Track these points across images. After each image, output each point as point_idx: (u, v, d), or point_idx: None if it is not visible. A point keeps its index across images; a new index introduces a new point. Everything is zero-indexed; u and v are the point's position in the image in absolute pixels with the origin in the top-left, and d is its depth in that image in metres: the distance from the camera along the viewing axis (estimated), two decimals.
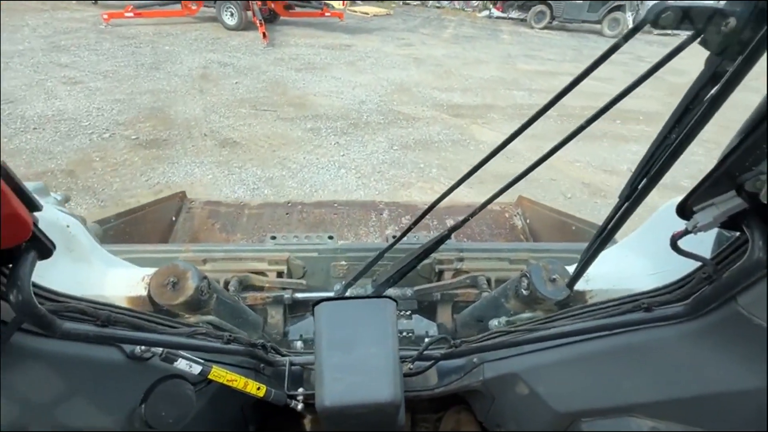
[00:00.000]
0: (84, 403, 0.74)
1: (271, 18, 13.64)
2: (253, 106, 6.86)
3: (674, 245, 0.72)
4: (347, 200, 2.72)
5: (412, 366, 1.08)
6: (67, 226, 1.24)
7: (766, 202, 0.57)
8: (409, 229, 1.18)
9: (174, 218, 2.31)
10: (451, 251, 1.67)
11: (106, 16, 11.59)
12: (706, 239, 0.79)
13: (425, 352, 1.03)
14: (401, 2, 21.66)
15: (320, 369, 0.88)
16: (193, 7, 12.63)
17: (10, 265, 0.58)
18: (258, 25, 11.17)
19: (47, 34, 10.21)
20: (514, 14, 19.01)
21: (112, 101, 6.58)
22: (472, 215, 1.09)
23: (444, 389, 1.10)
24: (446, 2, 21.77)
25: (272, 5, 13.09)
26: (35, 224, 0.56)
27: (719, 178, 0.62)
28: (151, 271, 1.26)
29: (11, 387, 0.66)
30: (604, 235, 0.80)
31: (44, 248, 0.61)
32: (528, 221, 2.47)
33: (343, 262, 1.66)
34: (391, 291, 1.45)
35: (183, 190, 2.52)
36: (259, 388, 0.92)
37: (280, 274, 1.62)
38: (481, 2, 21.44)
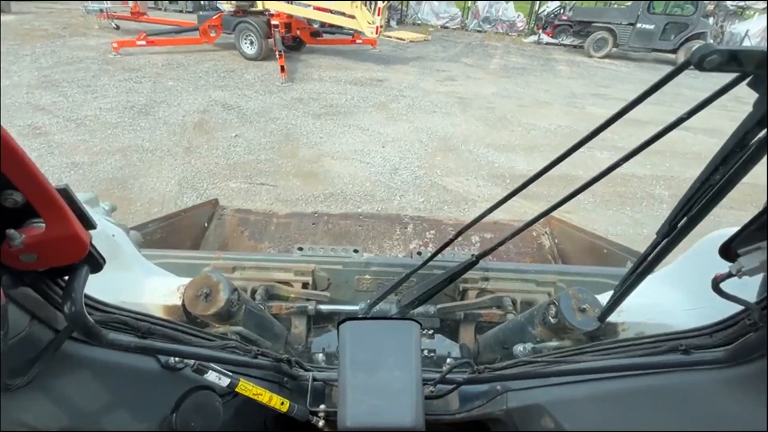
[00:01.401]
0: (121, 408, 0.78)
1: (296, 46, 12.28)
2: (248, 177, 5.12)
3: (716, 288, 0.69)
4: (372, 213, 2.93)
5: (433, 389, 1.05)
6: (113, 236, 1.36)
7: None
8: (436, 254, 1.22)
9: (206, 224, 2.40)
10: (476, 270, 1.64)
11: (115, 45, 10.50)
12: (750, 280, 0.70)
13: (447, 376, 1.03)
14: (439, 27, 20.05)
15: (343, 389, 0.90)
16: (212, 35, 11.42)
17: (65, 278, 0.64)
18: (277, 56, 9.67)
19: (46, 66, 9.10)
20: (567, 41, 16.96)
21: (66, 166, 5.03)
22: (501, 243, 1.12)
23: (465, 415, 1.07)
24: (488, 27, 19.98)
25: (297, 33, 11.72)
26: (90, 242, 0.61)
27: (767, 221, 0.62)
28: (186, 281, 1.33)
29: (59, 390, 0.71)
30: (640, 271, 0.80)
31: (96, 263, 0.65)
32: (557, 241, 2.41)
33: (368, 276, 1.70)
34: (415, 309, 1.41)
35: (216, 198, 2.61)
36: (282, 403, 0.94)
37: (305, 285, 1.66)
38: (527, 27, 19.52)
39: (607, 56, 15.42)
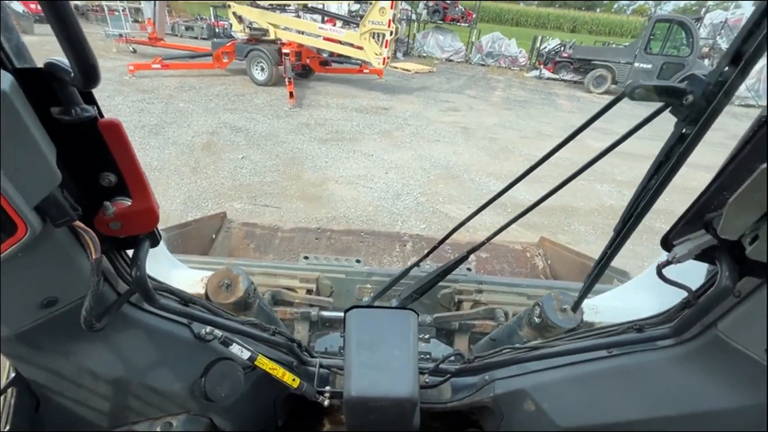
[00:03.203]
0: (161, 368, 0.92)
1: (305, 73, 12.71)
2: (252, 198, 5.18)
3: (659, 273, 0.81)
4: (373, 230, 2.87)
5: (428, 380, 1.16)
6: None
7: (723, 237, 0.69)
8: (432, 250, 1.40)
9: (214, 236, 2.49)
10: (471, 283, 1.77)
11: (131, 67, 10.89)
12: (695, 271, 0.85)
13: (440, 367, 1.16)
14: (444, 59, 20.77)
15: (349, 365, 1.02)
16: (225, 60, 11.86)
17: (128, 251, 0.80)
18: (287, 83, 10.00)
19: None
20: (568, 76, 17.51)
21: None
22: (489, 239, 1.28)
23: (457, 404, 1.16)
24: (491, 61, 20.69)
25: (307, 61, 12.16)
26: None
27: (693, 217, 0.74)
28: (208, 273, 1.44)
29: (116, 343, 0.85)
30: (603, 262, 0.93)
31: (155, 239, 0.79)
32: (549, 262, 2.52)
33: (369, 286, 1.78)
34: None
35: (224, 211, 2.80)
36: (294, 380, 1.04)
37: (309, 292, 1.73)
38: (528, 62, 20.22)
39: (606, 92, 15.84)
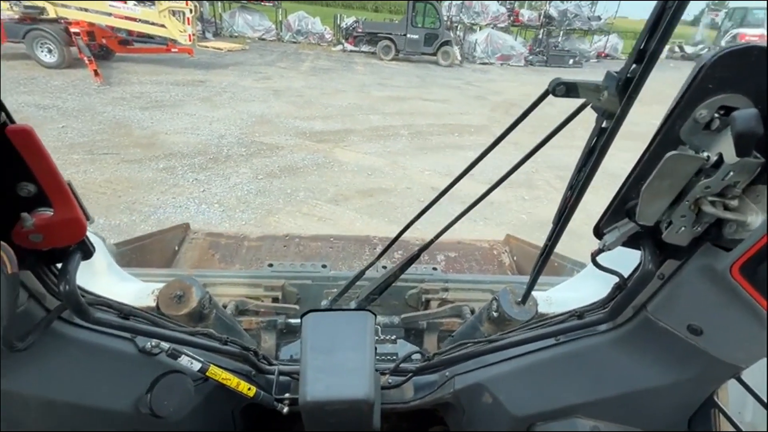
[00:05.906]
0: (101, 386, 0.87)
1: (104, 54, 12.28)
2: (89, 151, 6.10)
3: (594, 261, 0.86)
4: (343, 235, 2.83)
5: (390, 381, 1.17)
6: None
7: (641, 223, 0.75)
8: (385, 250, 1.43)
9: (177, 248, 2.40)
10: (437, 281, 1.76)
11: None
12: (633, 257, 0.88)
13: (401, 366, 1.16)
14: (257, 38, 21.80)
15: (304, 370, 0.99)
16: None
17: (58, 265, 0.75)
18: (87, 62, 9.94)
19: None
20: (365, 48, 20.99)
21: None
22: (438, 235, 1.31)
23: (419, 402, 1.19)
24: (302, 38, 22.76)
25: (103, 41, 11.82)
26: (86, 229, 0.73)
27: (617, 206, 0.78)
28: (159, 286, 1.36)
29: (47, 363, 0.79)
30: (545, 254, 0.96)
31: (87, 251, 0.76)
32: (515, 258, 2.61)
33: (335, 290, 1.67)
34: (380, 319, 1.60)
35: (187, 222, 2.62)
36: (249, 389, 1.03)
37: (275, 300, 1.70)
38: (334, 37, 23.09)
39: (394, 59, 19.90)
